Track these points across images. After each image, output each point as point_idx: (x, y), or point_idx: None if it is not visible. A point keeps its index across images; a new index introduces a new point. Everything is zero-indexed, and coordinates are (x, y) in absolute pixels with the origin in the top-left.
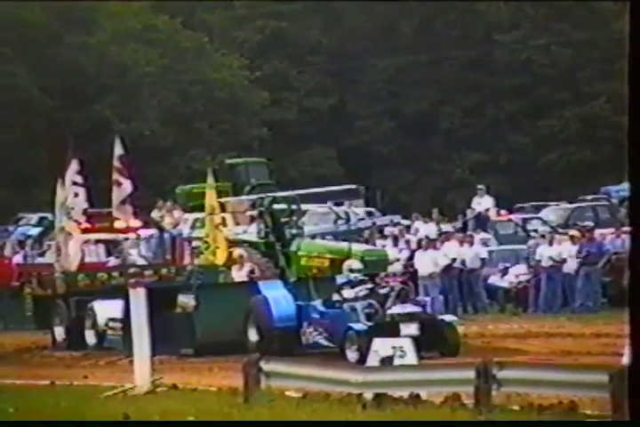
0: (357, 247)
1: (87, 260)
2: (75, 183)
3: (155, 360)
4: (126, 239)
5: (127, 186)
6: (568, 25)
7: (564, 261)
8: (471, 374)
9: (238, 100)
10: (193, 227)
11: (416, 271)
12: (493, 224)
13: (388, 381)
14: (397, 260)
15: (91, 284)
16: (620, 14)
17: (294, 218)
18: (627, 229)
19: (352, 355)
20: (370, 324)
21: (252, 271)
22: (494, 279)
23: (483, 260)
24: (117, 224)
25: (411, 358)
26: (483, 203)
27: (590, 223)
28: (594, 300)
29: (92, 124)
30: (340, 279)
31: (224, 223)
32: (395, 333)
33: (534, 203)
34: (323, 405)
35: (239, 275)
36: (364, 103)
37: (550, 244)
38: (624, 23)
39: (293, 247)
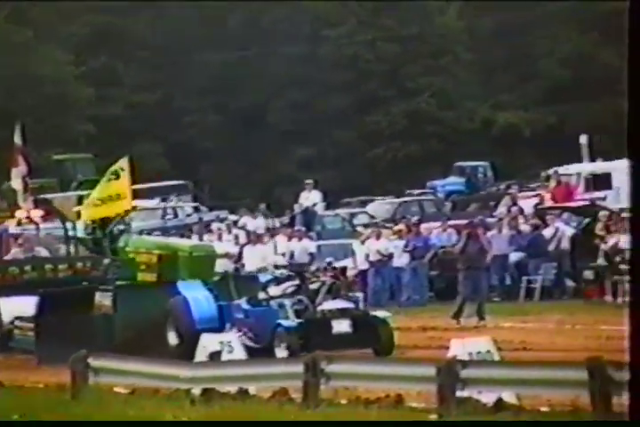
0: (185, 242)
1: None
2: None
3: None
4: None
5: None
6: (393, 20)
7: (391, 255)
8: (299, 368)
9: (64, 95)
10: (19, 223)
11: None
12: (321, 219)
13: (216, 376)
14: (226, 254)
15: (1, 278)
16: (443, 10)
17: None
18: (452, 222)
19: (281, 353)
20: (300, 320)
21: None
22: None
23: (311, 254)
24: (18, 213)
25: (238, 353)
26: (310, 197)
27: (416, 217)
28: (420, 293)
29: None
30: (263, 277)
31: None
32: (326, 329)
33: (361, 197)
34: (151, 401)
35: None
36: (190, 98)
37: (377, 238)
38: (447, 18)
39: (121, 243)
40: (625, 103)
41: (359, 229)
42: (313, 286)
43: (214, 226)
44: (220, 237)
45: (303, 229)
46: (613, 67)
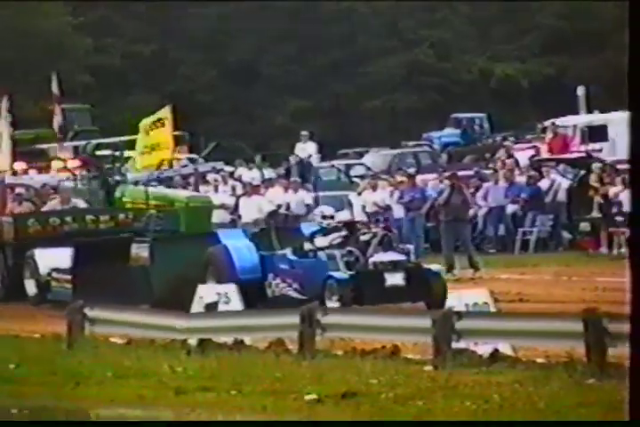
0: (181, 193)
1: None
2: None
3: None
4: None
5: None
6: None
7: (389, 207)
8: (295, 319)
9: (61, 45)
10: (15, 173)
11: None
12: (316, 170)
13: (212, 327)
14: (223, 206)
15: (42, 230)
16: None
17: (117, 164)
18: (447, 174)
19: (333, 306)
20: (352, 273)
21: None
22: None
23: (308, 206)
24: (55, 164)
25: (235, 304)
26: (306, 149)
27: (412, 169)
28: (416, 245)
29: None
30: (307, 228)
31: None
32: (379, 282)
33: (357, 149)
34: (147, 351)
35: None
36: (186, 51)
37: (374, 189)
38: None
39: (117, 194)
40: (621, 57)
41: (356, 180)
42: (364, 238)
43: (210, 177)
44: (216, 189)
45: (299, 180)
46: (611, 19)
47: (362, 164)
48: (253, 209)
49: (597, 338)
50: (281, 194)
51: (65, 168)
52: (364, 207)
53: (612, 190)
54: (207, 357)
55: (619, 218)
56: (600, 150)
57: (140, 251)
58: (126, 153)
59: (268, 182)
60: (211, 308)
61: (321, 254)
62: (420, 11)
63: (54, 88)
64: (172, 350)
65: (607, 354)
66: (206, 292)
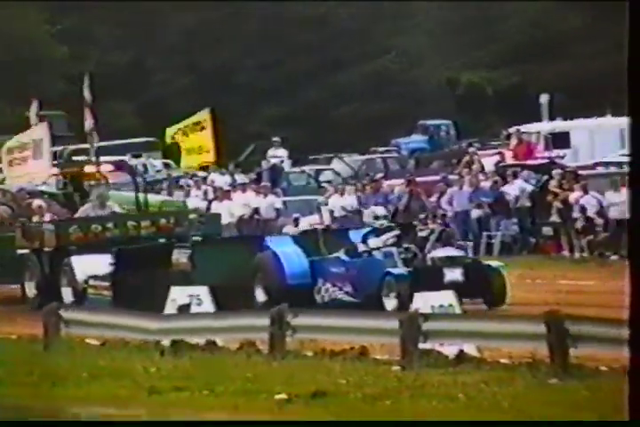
0: (155, 198)
1: None
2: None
3: None
4: None
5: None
6: None
7: (358, 211)
8: (266, 321)
9: (38, 53)
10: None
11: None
12: (287, 175)
13: (185, 328)
14: (195, 210)
15: (84, 236)
16: None
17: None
18: (407, 180)
19: (390, 303)
20: (410, 269)
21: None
22: (289, 229)
23: (277, 210)
24: (87, 169)
25: (207, 305)
26: (278, 155)
27: (380, 174)
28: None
29: None
30: (355, 232)
31: None
32: (438, 279)
33: (327, 155)
34: (121, 352)
35: None
36: (161, 58)
37: (341, 194)
38: None
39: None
40: (584, 65)
41: (324, 185)
42: (422, 234)
43: (183, 182)
44: (187, 193)
45: (268, 185)
46: (576, 28)
47: (331, 169)
48: (225, 213)
49: (559, 339)
50: (251, 198)
51: (98, 173)
52: (332, 212)
53: (571, 196)
54: (180, 357)
55: (579, 223)
56: (564, 157)
57: (181, 256)
58: (102, 158)
59: (239, 187)
60: (183, 310)
61: (376, 253)
62: (389, 18)
63: (86, 93)
64: (145, 350)
65: (569, 355)
66: (178, 294)
